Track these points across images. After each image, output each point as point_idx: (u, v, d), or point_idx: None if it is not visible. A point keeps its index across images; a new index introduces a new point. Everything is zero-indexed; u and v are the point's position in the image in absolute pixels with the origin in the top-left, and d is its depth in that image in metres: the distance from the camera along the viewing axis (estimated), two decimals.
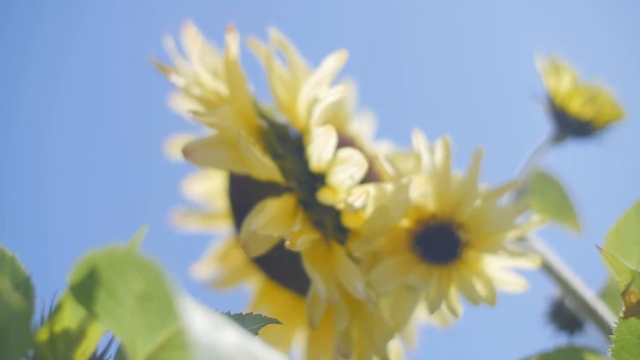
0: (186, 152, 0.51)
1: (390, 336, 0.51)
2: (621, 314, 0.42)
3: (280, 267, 0.59)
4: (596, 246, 0.44)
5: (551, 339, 0.64)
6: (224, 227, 0.70)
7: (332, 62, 0.51)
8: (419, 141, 0.52)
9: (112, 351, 0.32)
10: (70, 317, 0.30)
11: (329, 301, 0.49)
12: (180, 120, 0.66)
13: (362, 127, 0.66)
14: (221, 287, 0.69)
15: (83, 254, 0.27)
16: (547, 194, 0.68)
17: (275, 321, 0.50)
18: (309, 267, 0.50)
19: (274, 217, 0.49)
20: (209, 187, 0.69)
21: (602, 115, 0.64)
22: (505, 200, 0.61)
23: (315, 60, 0.55)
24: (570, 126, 0.65)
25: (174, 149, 0.67)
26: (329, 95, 0.49)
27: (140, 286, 0.27)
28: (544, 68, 0.65)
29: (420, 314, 0.66)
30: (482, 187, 0.53)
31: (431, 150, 0.53)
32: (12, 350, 0.26)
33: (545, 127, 0.68)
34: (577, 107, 0.64)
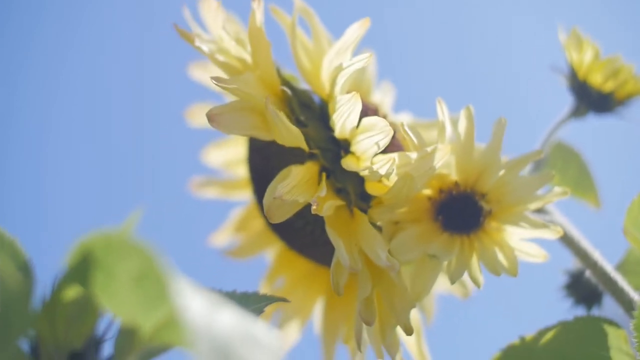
0: (211, 117, 0.50)
1: (411, 305, 0.51)
2: None
3: (300, 235, 0.59)
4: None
5: (569, 312, 0.64)
6: (242, 195, 0.70)
7: (356, 29, 0.51)
8: (443, 109, 0.52)
9: (112, 332, 0.32)
10: (69, 298, 0.30)
11: (352, 269, 0.49)
12: (198, 91, 0.66)
13: (382, 98, 0.66)
14: (239, 256, 0.69)
15: (79, 238, 0.28)
16: (567, 167, 0.68)
17: (282, 299, 0.51)
18: (332, 235, 0.50)
19: (298, 183, 0.49)
20: (228, 155, 0.69)
21: (623, 90, 0.64)
22: (525, 173, 0.60)
23: (335, 32, 0.55)
24: (592, 100, 0.64)
25: (194, 117, 0.68)
26: (354, 63, 0.49)
27: (136, 267, 0.27)
28: (567, 42, 0.64)
29: (439, 287, 0.66)
30: (504, 158, 0.53)
31: (454, 121, 0.53)
32: (13, 330, 0.26)
33: (564, 102, 0.68)
34: (599, 80, 0.64)
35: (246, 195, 0.70)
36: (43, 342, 0.30)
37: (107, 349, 0.32)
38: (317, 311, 0.66)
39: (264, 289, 0.67)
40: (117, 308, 0.29)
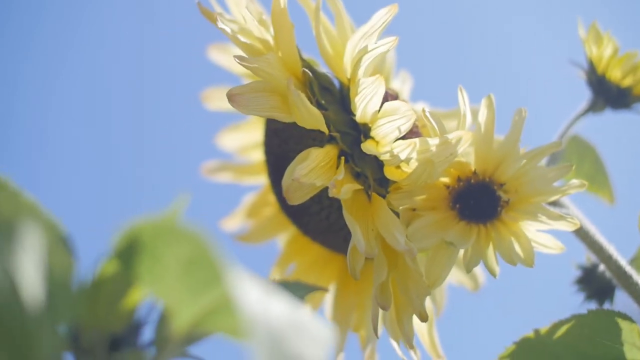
0: (231, 97, 0.50)
1: (427, 292, 0.51)
2: None
3: (315, 220, 0.59)
4: None
5: (581, 307, 0.64)
6: (254, 180, 0.70)
7: (383, 14, 0.51)
8: (464, 98, 0.52)
9: (154, 316, 0.32)
10: (112, 282, 0.30)
11: (368, 254, 0.49)
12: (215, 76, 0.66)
13: (401, 86, 0.66)
14: (250, 241, 0.69)
15: (127, 221, 0.27)
16: (582, 162, 0.68)
17: (321, 288, 0.51)
18: (349, 219, 0.49)
19: (317, 166, 0.49)
20: (243, 139, 0.69)
21: None
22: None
23: (357, 21, 0.55)
24: (611, 95, 0.64)
25: (210, 100, 0.67)
26: (379, 46, 0.49)
27: (185, 253, 0.27)
28: (587, 36, 0.64)
29: (450, 279, 0.66)
30: (522, 149, 0.53)
31: (473, 112, 0.53)
32: (57, 314, 0.26)
33: (581, 96, 0.68)
34: (618, 76, 0.64)
35: (259, 180, 0.70)
36: (83, 325, 0.30)
37: (148, 333, 0.32)
38: (328, 299, 0.65)
39: (275, 275, 0.67)
40: (162, 293, 0.29)
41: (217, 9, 0.55)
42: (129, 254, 0.28)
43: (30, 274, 0.25)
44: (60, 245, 0.28)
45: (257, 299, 0.26)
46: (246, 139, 0.69)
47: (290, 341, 0.25)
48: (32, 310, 0.25)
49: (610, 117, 0.68)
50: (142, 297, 0.31)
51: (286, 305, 0.27)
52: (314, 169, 0.49)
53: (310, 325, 0.26)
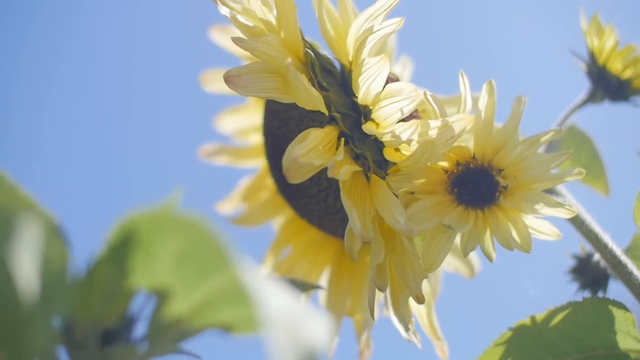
0: (228, 78, 0.50)
1: (423, 274, 0.51)
2: None
3: (312, 202, 0.59)
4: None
5: (575, 296, 0.65)
6: (251, 164, 0.70)
7: None
8: (465, 83, 0.52)
9: (148, 310, 0.32)
10: (106, 275, 0.29)
11: (363, 238, 0.49)
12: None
13: (402, 71, 0.66)
14: (245, 224, 0.69)
15: (122, 215, 0.27)
16: (579, 153, 0.68)
17: (317, 286, 0.51)
18: (346, 202, 0.49)
19: (316, 146, 0.49)
20: (241, 122, 0.69)
21: None
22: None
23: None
24: (610, 86, 0.65)
25: (209, 82, 0.67)
26: (385, 27, 0.49)
27: (180, 244, 0.27)
28: (588, 28, 0.64)
29: (446, 265, 0.66)
30: (521, 137, 0.53)
31: (474, 99, 0.53)
32: (51, 307, 0.26)
33: (580, 87, 0.68)
34: (619, 68, 0.64)
35: (255, 163, 0.70)
36: (77, 319, 0.30)
37: (141, 327, 0.32)
38: (323, 283, 0.65)
39: (269, 259, 0.67)
40: (155, 287, 0.29)
41: None
42: (123, 247, 0.28)
43: (26, 266, 0.25)
44: (56, 238, 0.27)
45: (264, 286, 0.26)
46: (244, 122, 0.69)
47: (300, 328, 0.25)
48: (27, 302, 0.25)
49: (607, 109, 0.68)
50: (136, 291, 0.31)
51: (286, 293, 0.27)
52: (313, 149, 0.49)
53: (309, 313, 0.26)
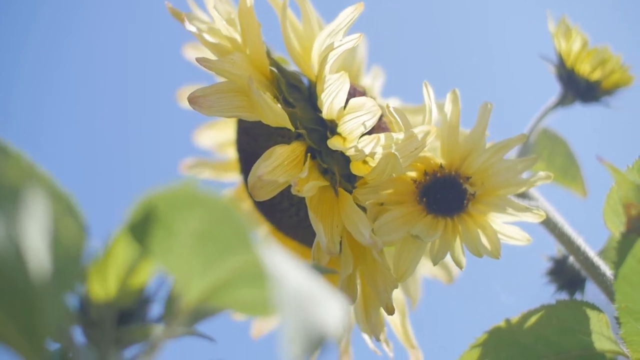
0: (192, 99, 0.50)
1: (394, 285, 0.51)
2: (622, 229, 0.42)
3: (285, 216, 0.59)
4: (598, 158, 0.44)
5: (552, 298, 0.65)
6: (233, 177, 0.71)
7: (349, 12, 0.51)
8: (429, 93, 0.53)
9: (165, 290, 0.32)
10: (123, 254, 0.29)
11: (329, 252, 0.50)
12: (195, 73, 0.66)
13: (372, 83, 0.67)
14: None
15: (141, 193, 0.27)
16: (554, 156, 0.68)
17: (331, 271, 0.51)
18: (313, 217, 0.50)
19: (282, 163, 0.50)
20: (220, 136, 0.69)
21: (610, 80, 0.65)
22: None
23: (326, 17, 0.56)
24: (580, 88, 0.65)
25: (185, 99, 0.68)
26: (345, 43, 0.50)
27: (201, 222, 0.27)
28: (556, 30, 0.65)
29: (424, 271, 0.67)
30: (489, 144, 0.54)
31: (440, 106, 0.53)
32: (64, 285, 0.26)
33: (551, 91, 0.69)
34: (587, 69, 0.64)
35: (237, 176, 0.71)
36: (92, 298, 0.30)
37: (157, 308, 0.32)
38: None
39: None
40: (173, 266, 0.28)
41: (194, 8, 0.56)
42: (142, 225, 0.28)
43: (35, 241, 0.25)
44: (69, 215, 0.27)
45: (283, 267, 0.25)
46: (222, 137, 0.70)
47: (312, 313, 0.24)
48: (37, 278, 0.25)
49: (581, 111, 0.69)
50: (153, 271, 0.30)
51: (305, 275, 0.26)
52: (278, 166, 0.49)
53: (324, 294, 0.26)
